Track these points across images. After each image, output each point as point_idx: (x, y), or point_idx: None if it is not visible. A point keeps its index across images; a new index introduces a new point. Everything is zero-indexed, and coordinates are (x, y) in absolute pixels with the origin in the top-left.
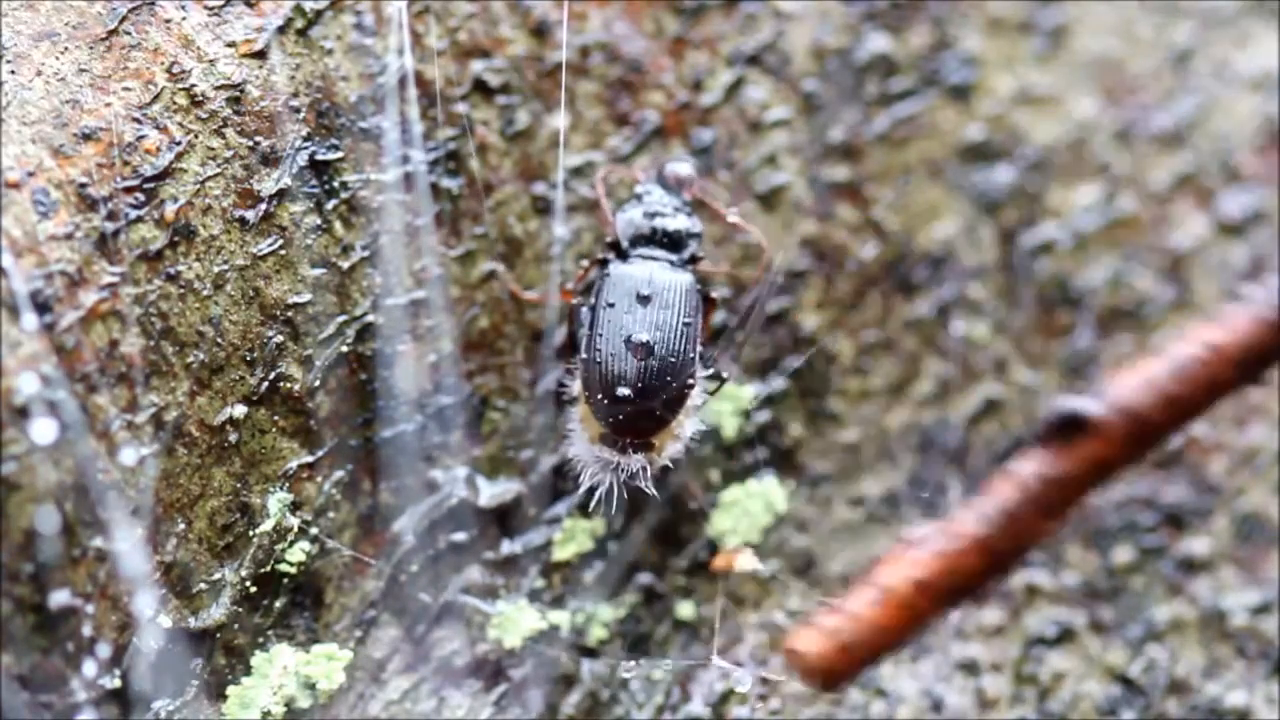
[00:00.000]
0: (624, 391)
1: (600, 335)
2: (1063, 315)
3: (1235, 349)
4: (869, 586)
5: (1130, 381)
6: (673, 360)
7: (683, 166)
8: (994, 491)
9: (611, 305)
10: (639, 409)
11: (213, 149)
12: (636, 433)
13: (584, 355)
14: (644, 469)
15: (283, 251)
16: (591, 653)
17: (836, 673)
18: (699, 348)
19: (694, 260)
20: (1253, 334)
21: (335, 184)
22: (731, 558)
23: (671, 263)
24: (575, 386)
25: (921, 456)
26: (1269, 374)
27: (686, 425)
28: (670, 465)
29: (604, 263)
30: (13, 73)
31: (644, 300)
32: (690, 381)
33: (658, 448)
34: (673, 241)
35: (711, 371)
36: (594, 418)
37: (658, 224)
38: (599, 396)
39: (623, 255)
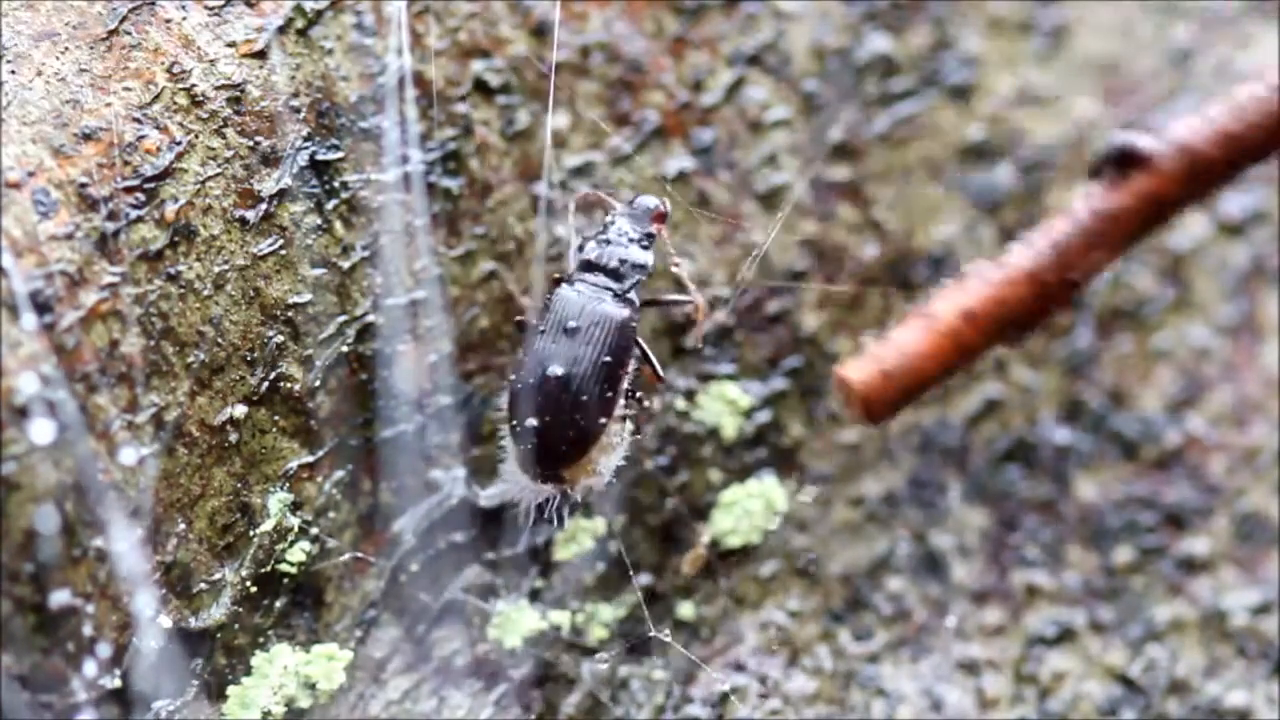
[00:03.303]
0: (531, 423)
1: (526, 361)
2: (1063, 315)
3: None
4: (917, 316)
5: (1188, 120)
6: (584, 398)
7: (651, 199)
8: (1047, 226)
9: (542, 332)
10: (544, 442)
11: (213, 149)
12: (543, 464)
13: (510, 377)
14: (554, 499)
15: (283, 251)
16: (591, 653)
17: (880, 401)
18: (622, 386)
19: (642, 293)
20: None
21: (335, 184)
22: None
23: (614, 294)
24: (503, 404)
25: (921, 456)
26: None
27: (602, 463)
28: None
29: (558, 283)
30: (13, 73)
31: (569, 332)
32: (603, 420)
33: (569, 481)
34: (614, 272)
35: (632, 412)
36: (511, 441)
37: (605, 252)
38: (512, 422)
39: (569, 280)
